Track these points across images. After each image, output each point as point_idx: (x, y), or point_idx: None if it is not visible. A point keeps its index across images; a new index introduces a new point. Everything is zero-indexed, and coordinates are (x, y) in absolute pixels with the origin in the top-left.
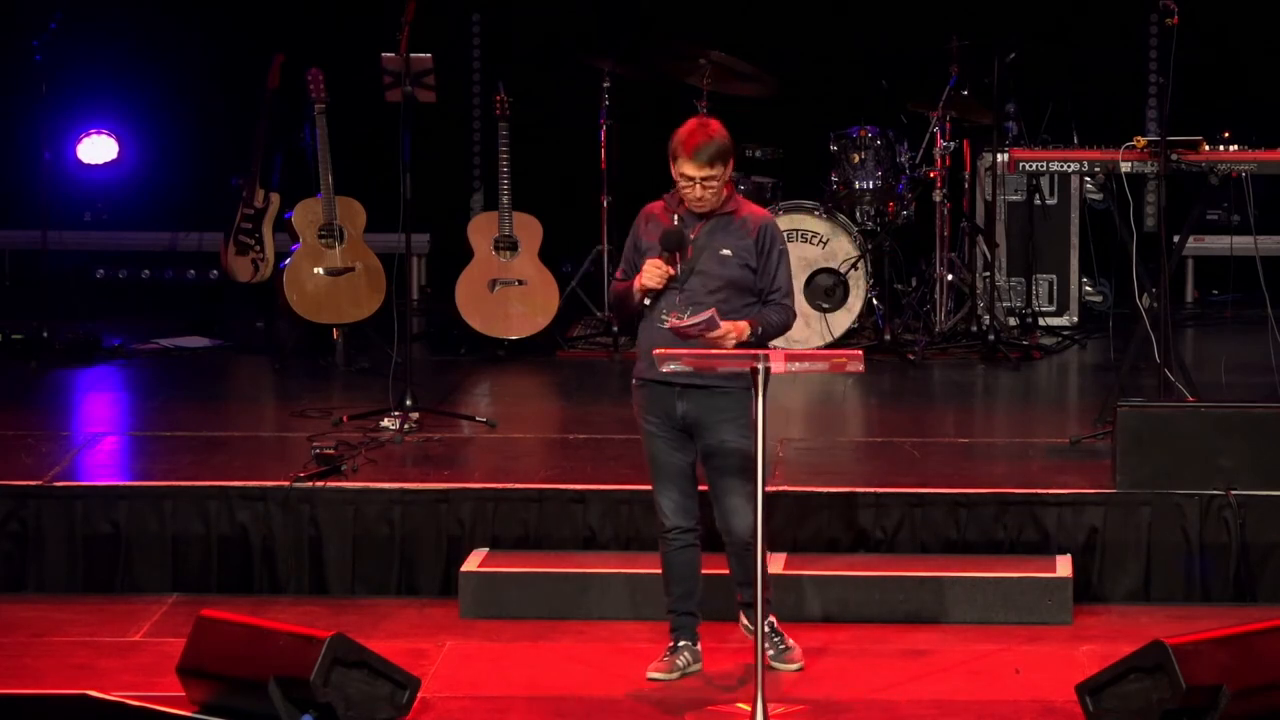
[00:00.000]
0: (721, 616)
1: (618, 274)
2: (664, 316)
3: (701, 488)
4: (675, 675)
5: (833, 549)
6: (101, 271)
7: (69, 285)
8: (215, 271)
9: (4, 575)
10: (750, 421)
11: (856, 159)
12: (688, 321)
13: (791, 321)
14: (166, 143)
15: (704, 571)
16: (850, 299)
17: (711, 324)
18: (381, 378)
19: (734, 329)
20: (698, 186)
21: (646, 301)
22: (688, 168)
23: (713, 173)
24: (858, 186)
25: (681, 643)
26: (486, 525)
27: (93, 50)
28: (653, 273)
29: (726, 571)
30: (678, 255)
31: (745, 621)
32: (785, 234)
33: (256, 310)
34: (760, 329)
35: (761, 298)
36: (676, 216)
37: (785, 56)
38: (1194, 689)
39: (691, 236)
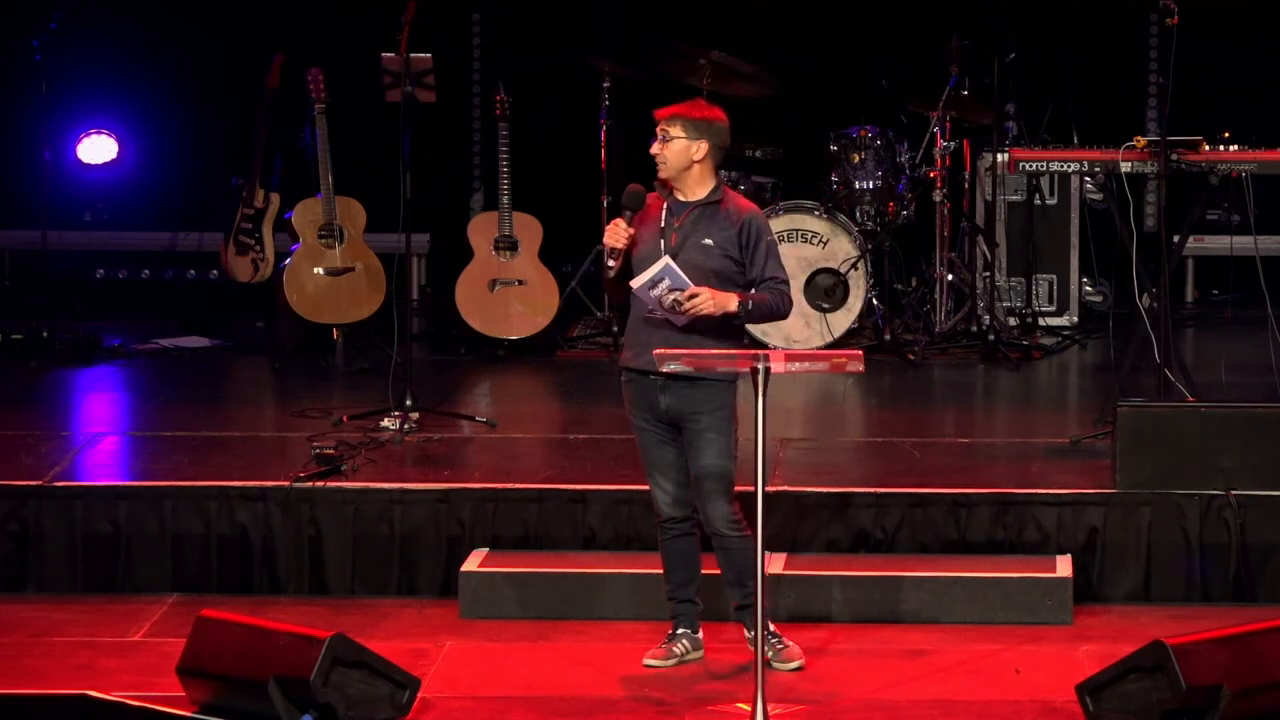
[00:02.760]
0: (722, 616)
1: None
2: (648, 307)
3: None
4: (672, 662)
5: (832, 549)
6: (101, 271)
7: (69, 285)
8: (215, 271)
9: (4, 575)
10: (729, 413)
11: (856, 159)
12: (646, 278)
13: (788, 305)
14: (166, 143)
15: (703, 572)
16: (850, 299)
17: (675, 279)
18: (381, 378)
19: (712, 294)
20: (655, 140)
21: (611, 263)
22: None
23: (667, 129)
24: (858, 186)
25: (680, 630)
26: (486, 525)
27: (93, 50)
28: (612, 231)
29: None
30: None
31: (746, 631)
32: (785, 234)
33: (256, 310)
34: (751, 305)
35: (753, 288)
36: (663, 202)
37: (785, 56)
38: (1194, 689)
39: (676, 224)
